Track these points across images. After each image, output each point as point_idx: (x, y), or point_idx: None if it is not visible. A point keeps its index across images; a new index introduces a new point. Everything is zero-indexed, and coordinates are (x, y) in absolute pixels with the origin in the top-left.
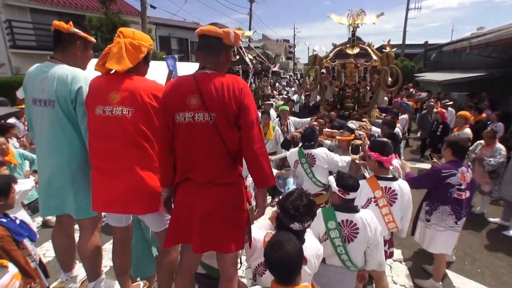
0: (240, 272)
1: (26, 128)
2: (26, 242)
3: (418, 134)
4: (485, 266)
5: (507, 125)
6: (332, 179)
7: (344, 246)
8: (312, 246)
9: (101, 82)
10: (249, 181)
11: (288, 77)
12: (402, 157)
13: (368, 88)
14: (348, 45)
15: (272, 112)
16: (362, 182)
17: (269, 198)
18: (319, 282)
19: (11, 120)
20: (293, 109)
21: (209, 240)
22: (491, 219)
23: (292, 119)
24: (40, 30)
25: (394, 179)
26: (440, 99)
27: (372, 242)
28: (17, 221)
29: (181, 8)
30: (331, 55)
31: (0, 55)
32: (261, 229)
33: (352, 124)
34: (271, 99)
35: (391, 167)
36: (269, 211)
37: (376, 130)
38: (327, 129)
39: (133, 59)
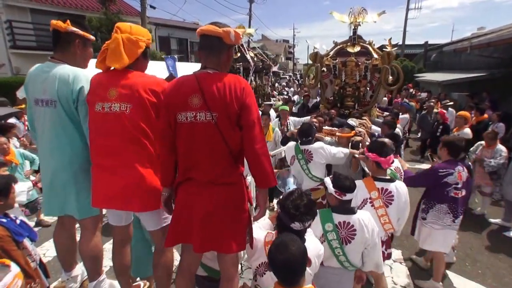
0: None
1: (26, 128)
2: (26, 242)
3: (418, 135)
4: (486, 267)
5: (508, 125)
6: (328, 181)
7: (341, 247)
8: (313, 246)
9: (101, 79)
10: (248, 180)
11: (287, 78)
12: (403, 158)
13: (368, 87)
14: (349, 43)
15: (272, 113)
16: (358, 183)
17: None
18: (317, 283)
19: (11, 120)
20: (293, 110)
21: (210, 240)
22: (492, 220)
23: (292, 119)
24: (40, 31)
25: (391, 180)
26: (441, 99)
27: (370, 243)
28: (18, 221)
29: (181, 9)
30: (331, 53)
31: (0, 55)
32: (261, 229)
33: (352, 121)
34: (271, 99)
35: (393, 169)
36: (267, 214)
37: (376, 129)
38: (326, 127)
39: (131, 55)
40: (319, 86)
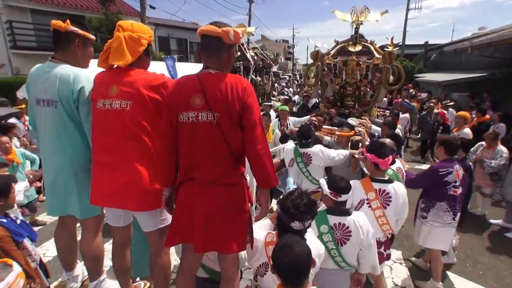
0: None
1: (26, 128)
2: (26, 242)
3: (419, 135)
4: (487, 268)
5: (509, 126)
6: (323, 182)
7: (337, 249)
8: (314, 246)
9: (103, 77)
10: (248, 180)
11: (287, 78)
12: (403, 158)
13: (369, 86)
14: (350, 42)
15: (272, 113)
16: (355, 183)
17: None
18: None
19: (12, 120)
20: (293, 110)
21: (211, 240)
22: (493, 221)
23: (291, 119)
24: (40, 31)
25: (389, 181)
26: (441, 100)
27: (365, 244)
28: (18, 221)
29: (180, 9)
30: (333, 52)
31: (1, 55)
32: (262, 229)
33: (352, 121)
34: (272, 99)
35: (394, 169)
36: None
37: (376, 129)
38: (326, 126)
39: (133, 52)
40: (319, 84)
